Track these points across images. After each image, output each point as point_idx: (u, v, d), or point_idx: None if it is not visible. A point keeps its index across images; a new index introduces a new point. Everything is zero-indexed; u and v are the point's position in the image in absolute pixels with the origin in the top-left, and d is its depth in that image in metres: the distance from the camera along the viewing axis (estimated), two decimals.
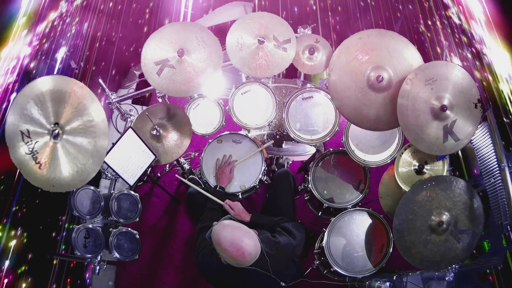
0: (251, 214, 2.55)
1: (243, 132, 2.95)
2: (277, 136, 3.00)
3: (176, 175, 3.11)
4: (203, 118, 2.91)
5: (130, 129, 2.46)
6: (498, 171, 2.23)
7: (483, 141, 2.32)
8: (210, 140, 2.88)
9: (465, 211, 2.20)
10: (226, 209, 2.56)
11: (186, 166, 3.44)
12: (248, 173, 2.81)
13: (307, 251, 3.24)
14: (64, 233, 3.09)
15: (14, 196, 2.68)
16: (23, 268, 2.80)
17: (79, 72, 3.54)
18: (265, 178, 2.88)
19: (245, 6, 4.26)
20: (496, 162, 2.24)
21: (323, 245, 2.61)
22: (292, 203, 2.85)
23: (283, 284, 2.11)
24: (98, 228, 2.61)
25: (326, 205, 2.79)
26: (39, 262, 2.90)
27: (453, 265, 2.21)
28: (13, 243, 2.69)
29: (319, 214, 2.98)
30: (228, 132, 2.89)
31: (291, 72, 2.98)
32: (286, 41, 2.54)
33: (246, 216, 2.54)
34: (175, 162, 3.41)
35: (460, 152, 2.94)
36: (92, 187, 2.60)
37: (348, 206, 2.75)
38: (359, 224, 2.66)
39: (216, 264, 2.11)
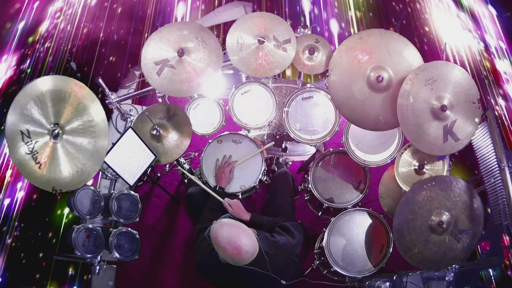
0: (250, 213, 2.55)
1: (243, 132, 2.95)
2: (277, 136, 3.00)
3: (178, 168, 3.08)
4: (203, 118, 2.91)
5: (130, 129, 2.46)
6: (498, 171, 2.23)
7: (483, 141, 2.32)
8: (210, 140, 2.88)
9: (465, 211, 2.20)
10: (225, 207, 2.56)
11: (186, 166, 3.44)
12: (248, 173, 2.81)
13: (307, 251, 3.23)
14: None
15: None
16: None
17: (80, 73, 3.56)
18: (265, 178, 2.88)
19: (245, 6, 4.26)
20: (496, 162, 2.24)
21: (323, 245, 2.61)
22: (292, 203, 2.85)
23: (284, 282, 2.11)
24: (98, 228, 2.61)
25: (326, 205, 2.79)
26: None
27: (453, 265, 2.21)
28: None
29: (319, 214, 2.98)
30: (228, 132, 2.89)
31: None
32: (286, 41, 2.54)
33: (246, 215, 2.53)
34: (175, 162, 3.41)
35: None
36: (92, 187, 2.60)
37: (348, 206, 2.75)
38: (359, 224, 2.66)
39: (215, 264, 2.11)
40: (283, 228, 2.35)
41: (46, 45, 3.69)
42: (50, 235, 3.30)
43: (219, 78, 2.79)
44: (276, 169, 3.29)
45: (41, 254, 3.25)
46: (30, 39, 3.63)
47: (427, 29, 3.94)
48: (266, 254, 2.04)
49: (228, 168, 2.74)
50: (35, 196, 3.31)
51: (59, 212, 3.41)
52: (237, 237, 1.94)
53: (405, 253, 2.25)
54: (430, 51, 3.77)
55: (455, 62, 3.47)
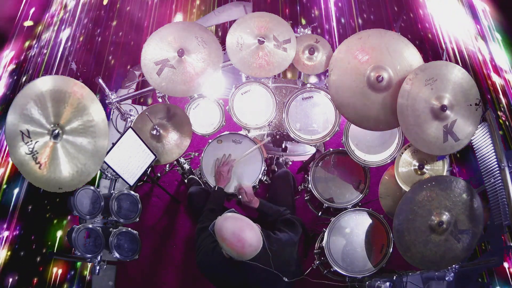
0: (259, 200, 2.58)
1: (243, 132, 2.95)
2: (277, 136, 3.00)
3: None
4: (203, 118, 2.91)
5: (130, 129, 2.46)
6: (498, 171, 2.22)
7: (483, 141, 2.32)
8: (210, 140, 2.88)
9: (465, 211, 2.20)
10: (240, 193, 2.61)
11: (186, 166, 3.44)
12: (248, 173, 2.81)
13: (307, 251, 3.23)
14: None
15: None
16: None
17: (79, 73, 3.56)
18: (265, 178, 2.88)
19: (245, 6, 4.26)
20: (496, 162, 2.24)
21: (323, 245, 2.61)
22: (292, 203, 2.85)
23: (286, 280, 2.11)
24: (98, 228, 2.61)
25: (326, 205, 2.79)
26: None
27: (453, 265, 2.21)
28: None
29: (319, 214, 2.98)
30: (228, 132, 2.89)
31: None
32: (286, 41, 2.54)
33: (256, 202, 2.57)
34: (175, 162, 3.41)
35: None
36: (92, 187, 2.60)
37: (348, 206, 2.75)
38: (359, 224, 2.66)
39: (217, 262, 2.11)
40: (286, 223, 2.36)
41: (45, 46, 3.69)
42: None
43: (219, 78, 2.78)
44: (276, 169, 3.29)
45: (38, 258, 3.24)
46: (27, 42, 3.63)
47: (429, 34, 3.95)
48: (269, 250, 2.05)
49: (226, 168, 2.74)
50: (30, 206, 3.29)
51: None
52: (241, 230, 1.95)
53: (405, 253, 2.25)
54: (431, 50, 3.77)
55: (455, 60, 3.48)
